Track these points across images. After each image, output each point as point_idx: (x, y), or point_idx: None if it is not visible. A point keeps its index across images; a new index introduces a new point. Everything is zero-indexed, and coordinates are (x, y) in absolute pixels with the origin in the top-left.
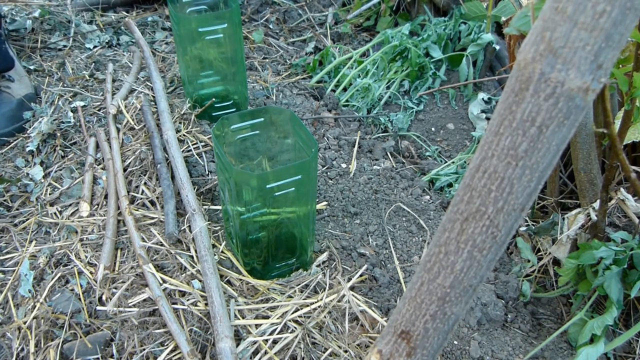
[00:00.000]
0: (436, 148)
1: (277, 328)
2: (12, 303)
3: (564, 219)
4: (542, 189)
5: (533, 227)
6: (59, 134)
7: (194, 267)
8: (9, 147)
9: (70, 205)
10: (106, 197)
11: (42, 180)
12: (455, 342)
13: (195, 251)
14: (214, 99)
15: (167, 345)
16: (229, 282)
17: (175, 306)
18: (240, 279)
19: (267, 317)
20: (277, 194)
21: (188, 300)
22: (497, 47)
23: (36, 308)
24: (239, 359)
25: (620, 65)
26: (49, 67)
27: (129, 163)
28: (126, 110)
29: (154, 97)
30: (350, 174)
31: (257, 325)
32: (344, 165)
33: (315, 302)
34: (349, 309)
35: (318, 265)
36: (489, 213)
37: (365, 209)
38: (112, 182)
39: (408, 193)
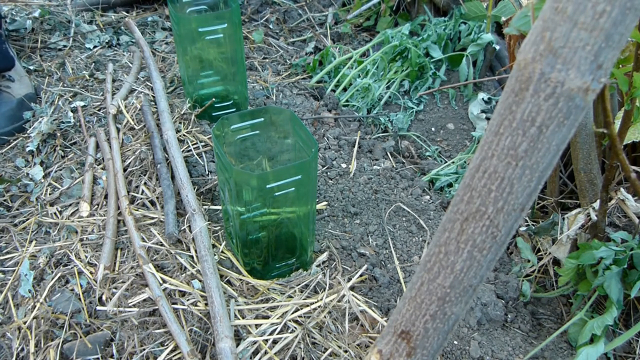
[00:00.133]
0: (436, 148)
1: (277, 328)
2: (12, 303)
3: (564, 219)
4: (542, 189)
5: (533, 227)
6: (59, 134)
7: (194, 267)
8: (9, 147)
9: (70, 205)
10: (106, 197)
11: (42, 180)
12: (455, 342)
13: (195, 251)
14: (214, 99)
15: (167, 345)
16: (229, 282)
17: (175, 306)
18: (240, 279)
19: (267, 317)
20: (277, 194)
21: (188, 300)
22: (497, 47)
23: (36, 308)
24: (239, 359)
25: (620, 65)
26: (49, 67)
27: (129, 163)
28: (126, 110)
29: (154, 97)
30: (350, 174)
31: (257, 325)
32: (344, 165)
33: (315, 302)
34: (349, 309)
35: (318, 265)
36: (489, 213)
37: (365, 209)
38: (112, 182)
39: (408, 193)
